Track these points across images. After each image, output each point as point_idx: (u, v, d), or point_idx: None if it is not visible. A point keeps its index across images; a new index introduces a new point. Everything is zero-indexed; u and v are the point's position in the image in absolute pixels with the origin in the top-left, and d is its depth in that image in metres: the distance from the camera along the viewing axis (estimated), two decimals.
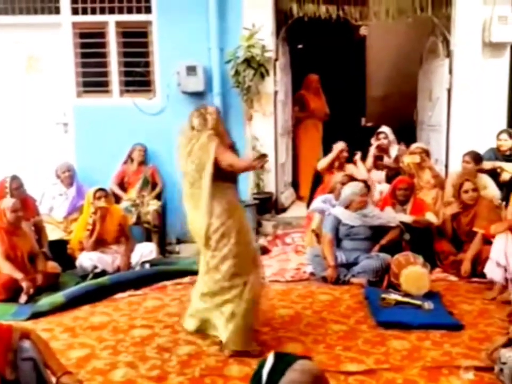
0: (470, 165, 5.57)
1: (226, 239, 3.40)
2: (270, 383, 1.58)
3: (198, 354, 3.42)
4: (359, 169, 6.00)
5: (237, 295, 3.39)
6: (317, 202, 5.47)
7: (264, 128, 6.38)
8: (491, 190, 5.44)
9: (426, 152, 5.82)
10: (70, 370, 2.51)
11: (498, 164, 5.80)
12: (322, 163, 6.09)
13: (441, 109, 6.61)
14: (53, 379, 2.47)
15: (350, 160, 6.16)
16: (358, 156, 6.08)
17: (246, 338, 3.40)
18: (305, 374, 1.59)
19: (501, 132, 5.98)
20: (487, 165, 5.81)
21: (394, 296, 4.11)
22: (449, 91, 6.46)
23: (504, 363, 2.84)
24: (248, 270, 3.44)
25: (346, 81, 8.77)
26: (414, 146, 6.06)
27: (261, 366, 1.63)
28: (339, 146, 6.04)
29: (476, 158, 5.61)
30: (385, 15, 6.48)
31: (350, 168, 6.11)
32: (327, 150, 6.71)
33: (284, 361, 1.62)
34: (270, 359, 1.63)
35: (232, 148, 3.61)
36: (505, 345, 3.05)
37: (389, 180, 5.74)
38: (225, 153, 3.40)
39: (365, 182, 5.36)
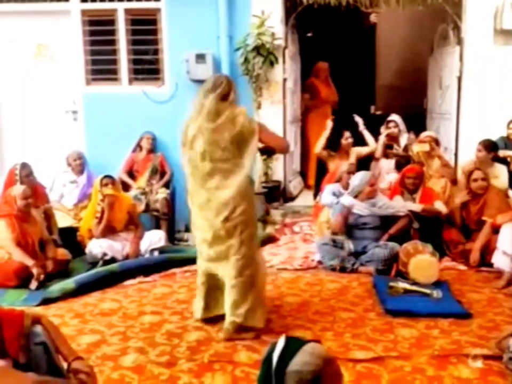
0: (482, 153, 5.53)
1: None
2: (281, 365, 1.60)
3: (207, 341, 3.44)
4: (366, 138, 6.08)
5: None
6: (327, 193, 5.46)
7: (273, 116, 6.35)
8: (502, 180, 5.40)
9: (435, 141, 5.79)
10: (81, 355, 2.53)
11: (508, 152, 5.76)
12: (318, 146, 6.17)
13: (451, 97, 6.55)
14: (64, 364, 2.49)
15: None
16: (361, 127, 6.18)
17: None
18: (316, 356, 1.61)
19: (510, 121, 5.93)
20: (498, 153, 5.77)
21: (402, 285, 4.11)
22: (459, 79, 6.40)
23: None
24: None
25: (355, 69, 8.70)
26: (423, 134, 6.03)
27: (272, 349, 1.65)
28: (330, 124, 6.15)
29: (488, 146, 5.54)
30: (395, 2, 6.42)
31: (355, 150, 6.13)
32: (336, 139, 6.70)
33: (294, 344, 1.64)
34: (280, 342, 1.65)
35: None
36: None
37: (398, 168, 5.72)
38: (268, 132, 3.51)
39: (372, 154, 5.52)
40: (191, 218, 3.67)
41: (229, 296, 3.46)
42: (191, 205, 3.58)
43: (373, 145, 6.15)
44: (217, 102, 3.39)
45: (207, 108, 3.39)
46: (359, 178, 5.00)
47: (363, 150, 6.19)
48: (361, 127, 6.26)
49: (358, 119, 6.27)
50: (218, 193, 3.39)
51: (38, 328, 2.50)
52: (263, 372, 1.66)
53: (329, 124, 6.25)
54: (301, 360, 1.61)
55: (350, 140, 6.12)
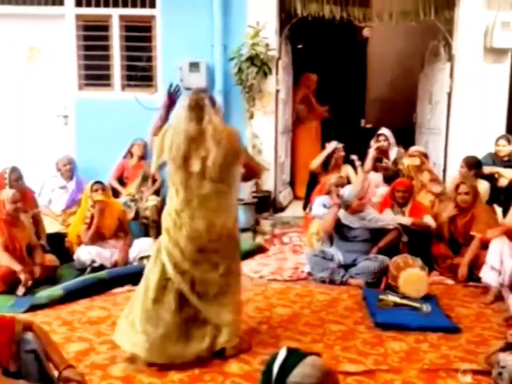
0: (464, 170, 5.63)
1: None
2: (281, 376, 1.61)
3: None
4: (357, 175, 6.04)
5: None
6: (317, 205, 5.48)
7: (265, 127, 6.39)
8: (481, 196, 5.46)
9: (424, 155, 5.86)
10: (72, 363, 2.51)
11: (496, 169, 5.84)
12: (315, 162, 6.15)
13: (441, 112, 6.65)
14: (55, 372, 2.47)
15: (347, 160, 6.20)
16: (358, 163, 6.10)
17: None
18: (316, 368, 1.62)
19: (499, 138, 6.02)
20: (485, 169, 5.85)
21: (392, 298, 4.13)
22: (449, 95, 6.50)
23: (503, 367, 2.86)
24: None
25: (347, 82, 8.79)
26: (412, 149, 6.09)
27: (273, 359, 1.66)
28: (332, 145, 6.12)
29: (470, 163, 5.63)
30: (388, 17, 6.51)
31: (346, 169, 6.15)
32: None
33: (295, 356, 1.64)
34: (282, 353, 1.65)
35: None
36: (503, 350, 3.07)
37: (386, 181, 5.77)
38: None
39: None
40: None
41: None
42: None
43: (359, 178, 6.05)
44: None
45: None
46: (347, 191, 5.03)
47: (351, 176, 6.12)
48: (357, 164, 6.19)
49: (354, 157, 6.21)
50: None
51: (29, 336, 2.48)
52: (263, 383, 1.66)
53: (331, 144, 6.17)
54: (301, 372, 1.62)
55: (342, 153, 6.14)
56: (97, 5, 6.28)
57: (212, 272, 3.27)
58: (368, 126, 8.97)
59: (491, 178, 5.73)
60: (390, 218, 5.09)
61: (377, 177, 6.05)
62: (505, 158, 5.92)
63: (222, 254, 3.28)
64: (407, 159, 5.77)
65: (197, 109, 3.20)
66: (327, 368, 1.66)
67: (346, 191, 5.02)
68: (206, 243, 3.22)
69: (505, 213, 5.37)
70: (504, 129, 6.36)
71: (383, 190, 5.72)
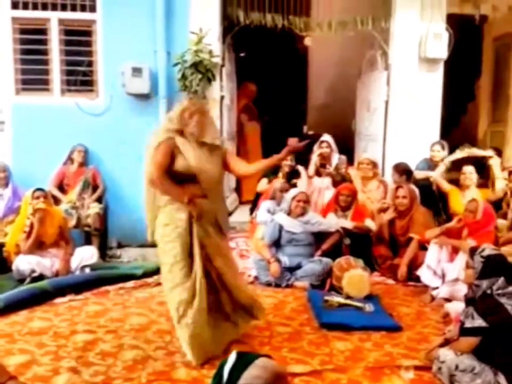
0: (395, 176, 5.88)
1: None
2: (231, 380, 1.61)
3: (144, 359, 3.37)
4: (301, 174, 6.15)
5: None
6: (262, 211, 5.55)
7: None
8: None
9: (373, 164, 6.04)
10: (15, 375, 2.41)
11: (429, 173, 6.10)
12: (260, 186, 6.20)
13: (378, 119, 6.87)
14: None
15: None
16: (303, 172, 6.20)
17: None
18: (266, 370, 1.63)
19: (434, 144, 6.30)
20: (420, 174, 6.11)
21: (337, 299, 4.24)
22: (386, 102, 6.74)
23: (442, 362, 2.99)
24: None
25: (288, 89, 8.95)
26: (362, 156, 6.27)
27: (223, 364, 1.66)
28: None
29: (399, 169, 5.89)
30: (328, 27, 6.68)
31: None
32: (268, 156, 6.82)
33: (245, 359, 1.65)
34: (231, 357, 1.65)
35: None
36: (442, 345, 3.22)
37: (335, 186, 5.90)
38: None
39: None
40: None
41: None
42: None
43: (304, 183, 6.14)
44: None
45: None
46: (290, 194, 5.14)
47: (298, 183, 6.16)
48: (301, 168, 6.27)
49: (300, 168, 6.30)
50: None
51: None
52: None
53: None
54: (251, 374, 1.62)
55: (291, 163, 6.20)
56: (35, 8, 6.09)
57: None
58: (311, 132, 9.15)
59: (427, 184, 5.98)
60: (333, 222, 5.23)
61: (321, 182, 6.17)
62: (439, 163, 6.19)
63: None
64: (354, 170, 5.96)
65: None
66: (277, 369, 1.68)
67: (289, 195, 5.13)
68: None
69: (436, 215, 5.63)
70: (438, 135, 6.65)
71: (330, 193, 5.84)
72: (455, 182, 5.85)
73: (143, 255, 5.77)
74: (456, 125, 8.82)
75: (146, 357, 3.41)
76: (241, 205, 7.26)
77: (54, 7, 6.10)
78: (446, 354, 3.03)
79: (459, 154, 5.95)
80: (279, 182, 5.85)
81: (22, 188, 5.69)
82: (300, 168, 6.20)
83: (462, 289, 3.81)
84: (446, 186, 5.82)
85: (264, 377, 1.62)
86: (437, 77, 6.66)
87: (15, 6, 6.06)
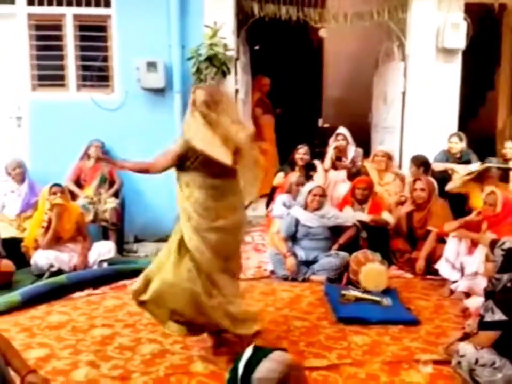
0: (412, 169, 5.80)
1: None
2: (246, 373, 1.61)
3: (162, 353, 3.39)
4: (318, 170, 6.10)
5: None
6: (278, 205, 5.52)
7: None
8: None
9: (388, 156, 5.97)
10: (35, 368, 2.44)
11: (449, 165, 6.02)
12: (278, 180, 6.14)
13: (396, 111, 6.80)
14: (16, 378, 2.39)
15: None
16: (319, 166, 6.13)
17: None
18: (281, 363, 1.63)
19: (451, 135, 6.20)
20: (439, 166, 6.03)
21: (354, 293, 4.21)
22: (403, 94, 6.66)
23: (462, 356, 2.94)
24: None
25: (303, 82, 8.89)
26: (378, 149, 6.21)
27: (239, 358, 1.66)
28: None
29: (417, 161, 5.80)
30: (343, 18, 6.62)
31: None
32: (285, 150, 6.82)
33: (260, 353, 1.65)
34: (247, 351, 1.65)
35: None
36: (461, 339, 3.17)
37: (350, 179, 5.85)
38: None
39: None
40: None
41: None
42: None
43: (321, 177, 6.05)
44: None
45: None
46: (306, 188, 5.11)
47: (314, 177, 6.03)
48: (317, 162, 6.21)
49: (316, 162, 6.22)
50: None
51: None
52: (230, 380, 1.66)
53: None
54: (266, 367, 1.63)
55: (305, 157, 6.16)
56: (50, 4, 6.12)
57: None
58: (326, 125, 9.09)
59: (444, 176, 5.91)
60: (349, 215, 5.19)
61: (336, 175, 6.13)
62: (458, 155, 6.11)
63: None
64: (370, 162, 5.90)
65: None
66: (292, 362, 1.67)
67: (305, 189, 5.10)
68: None
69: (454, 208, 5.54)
70: (456, 126, 6.55)
71: (346, 186, 5.80)
72: None
73: (160, 249, 5.78)
74: (474, 116, 8.70)
75: (163, 350, 3.43)
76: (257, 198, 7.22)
77: (69, 3, 6.11)
78: (466, 348, 2.98)
79: (478, 167, 5.72)
80: (294, 175, 5.81)
81: (39, 183, 5.73)
82: (316, 161, 6.16)
83: (481, 283, 3.76)
84: (464, 190, 5.66)
85: (279, 370, 1.62)
86: (454, 68, 6.56)
87: (30, 2, 6.09)
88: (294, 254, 4.84)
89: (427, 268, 4.81)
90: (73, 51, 6.22)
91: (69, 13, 6.15)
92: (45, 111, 6.18)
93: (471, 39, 6.39)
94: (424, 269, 4.81)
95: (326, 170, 6.22)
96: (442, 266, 4.53)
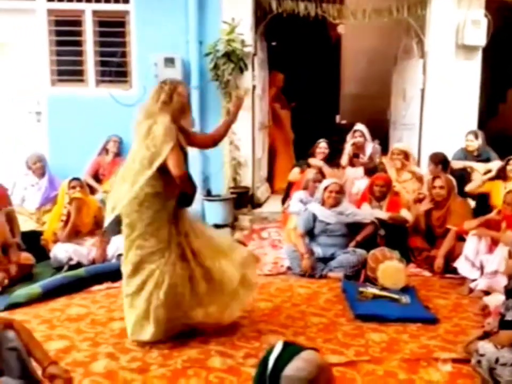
0: (431, 167, 5.75)
1: None
2: (276, 369, 1.61)
3: (180, 346, 3.40)
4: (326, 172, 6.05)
5: None
6: (294, 201, 5.51)
7: (241, 123, 6.34)
8: None
9: (405, 154, 5.92)
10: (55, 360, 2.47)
11: (468, 163, 5.96)
12: (293, 175, 6.16)
13: (415, 108, 6.75)
14: (38, 369, 2.42)
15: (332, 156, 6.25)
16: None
17: None
18: (311, 363, 1.63)
19: (468, 133, 6.14)
20: (457, 164, 5.97)
21: (371, 290, 4.18)
22: (422, 91, 6.61)
23: (482, 355, 2.92)
24: None
25: (321, 78, 8.86)
26: (394, 146, 6.16)
27: (269, 352, 1.66)
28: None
29: (435, 159, 5.75)
30: (362, 14, 6.58)
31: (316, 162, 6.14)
32: (302, 147, 6.80)
33: (290, 350, 1.65)
34: (278, 347, 1.66)
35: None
36: (481, 338, 3.14)
37: (369, 175, 5.82)
38: (174, 159, 3.20)
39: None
40: None
41: None
42: None
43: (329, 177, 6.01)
44: None
45: None
46: (323, 184, 5.10)
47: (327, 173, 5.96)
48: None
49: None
50: None
51: (11, 334, 2.43)
52: (258, 374, 1.66)
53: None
54: (296, 366, 1.63)
55: (326, 151, 6.16)
56: (70, 0, 6.18)
57: None
58: (343, 122, 9.05)
59: (463, 174, 5.85)
60: (367, 213, 5.16)
61: (354, 172, 6.11)
62: (475, 153, 6.05)
63: None
64: (388, 159, 5.86)
65: None
66: (322, 363, 1.67)
67: (322, 185, 5.09)
68: None
69: (477, 207, 5.50)
70: (476, 124, 6.49)
71: (364, 182, 5.77)
72: None
73: None
74: (495, 114, 8.61)
75: (181, 344, 3.43)
76: (273, 194, 7.24)
77: None
78: (486, 347, 2.95)
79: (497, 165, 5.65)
80: (311, 172, 5.80)
81: (58, 177, 5.80)
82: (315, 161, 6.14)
83: (501, 282, 3.72)
84: (484, 189, 5.61)
85: (308, 369, 1.62)
86: (474, 65, 6.50)
87: None
88: (312, 253, 4.82)
89: (446, 266, 4.76)
90: (92, 47, 6.29)
91: (88, 9, 6.22)
92: (64, 106, 6.25)
93: (491, 36, 6.32)
94: (443, 267, 4.76)
95: (343, 167, 6.20)
96: (461, 265, 4.49)
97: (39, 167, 5.86)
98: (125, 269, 3.42)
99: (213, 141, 3.64)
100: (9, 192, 5.59)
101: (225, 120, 3.64)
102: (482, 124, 6.62)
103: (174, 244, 3.37)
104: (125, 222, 3.38)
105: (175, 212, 3.38)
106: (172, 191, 3.33)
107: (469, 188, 5.62)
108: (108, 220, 3.44)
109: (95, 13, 6.25)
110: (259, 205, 6.70)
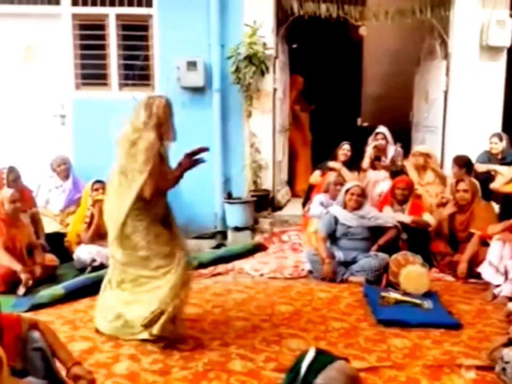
0: (454, 169, 5.67)
1: None
2: (308, 376, 1.62)
3: (201, 349, 3.42)
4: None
5: None
6: (315, 204, 5.49)
7: (262, 126, 6.38)
8: None
9: (427, 155, 5.85)
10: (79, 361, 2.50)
11: (492, 167, 5.87)
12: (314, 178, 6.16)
13: (438, 110, 6.67)
14: (62, 370, 2.46)
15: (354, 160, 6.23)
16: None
17: None
18: (343, 373, 1.64)
19: (492, 136, 6.05)
20: (481, 167, 5.89)
21: (394, 295, 4.14)
22: (445, 93, 6.53)
23: (507, 362, 2.88)
24: None
25: (342, 81, 8.82)
26: (416, 148, 6.10)
27: (301, 358, 1.67)
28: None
29: (459, 162, 5.67)
30: (384, 15, 6.52)
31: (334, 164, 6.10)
32: (321, 149, 6.80)
33: (323, 358, 1.67)
34: (310, 354, 1.67)
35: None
36: (506, 345, 3.09)
37: (393, 177, 5.76)
38: (150, 183, 3.35)
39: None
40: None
41: None
42: None
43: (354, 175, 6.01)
44: None
45: None
46: (344, 187, 5.07)
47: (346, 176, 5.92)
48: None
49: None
50: None
51: (36, 334, 2.47)
52: (289, 380, 1.67)
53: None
54: (328, 375, 1.64)
55: (348, 153, 6.14)
56: (94, 4, 6.26)
57: None
58: (365, 124, 9.00)
59: (487, 177, 5.77)
60: (390, 216, 5.12)
61: (375, 175, 6.06)
62: (499, 156, 5.96)
63: None
64: (409, 163, 5.82)
65: None
66: (354, 374, 1.69)
67: (343, 188, 5.07)
68: None
69: (502, 211, 5.41)
70: (500, 126, 6.38)
71: (387, 185, 5.71)
72: None
73: (199, 245, 5.86)
74: None
75: (203, 347, 3.45)
76: (293, 197, 7.23)
77: (112, 3, 6.25)
78: (511, 354, 2.91)
79: None
80: (332, 175, 5.77)
81: (82, 180, 5.87)
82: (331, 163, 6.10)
83: None
84: (508, 190, 5.53)
85: (340, 380, 1.63)
86: (499, 66, 6.39)
87: (75, 2, 6.24)
88: (333, 257, 4.79)
89: (469, 271, 4.70)
90: (115, 50, 6.35)
91: (111, 13, 6.29)
92: (88, 110, 6.32)
93: None
94: (467, 272, 4.70)
95: (364, 170, 6.16)
96: (485, 270, 4.42)
97: (64, 170, 5.94)
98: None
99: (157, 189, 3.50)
100: (34, 194, 5.69)
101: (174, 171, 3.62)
102: (506, 126, 6.49)
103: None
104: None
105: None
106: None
107: (493, 185, 5.53)
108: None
109: (118, 16, 6.32)
110: (279, 208, 6.69)
